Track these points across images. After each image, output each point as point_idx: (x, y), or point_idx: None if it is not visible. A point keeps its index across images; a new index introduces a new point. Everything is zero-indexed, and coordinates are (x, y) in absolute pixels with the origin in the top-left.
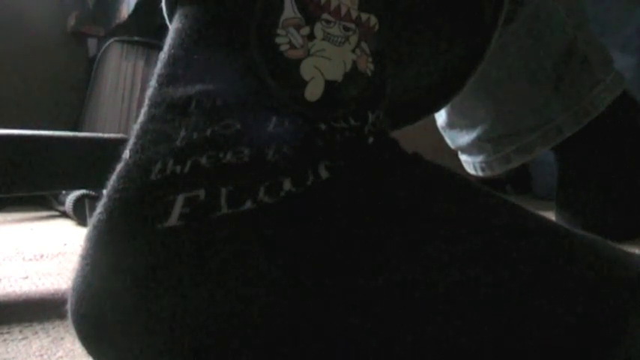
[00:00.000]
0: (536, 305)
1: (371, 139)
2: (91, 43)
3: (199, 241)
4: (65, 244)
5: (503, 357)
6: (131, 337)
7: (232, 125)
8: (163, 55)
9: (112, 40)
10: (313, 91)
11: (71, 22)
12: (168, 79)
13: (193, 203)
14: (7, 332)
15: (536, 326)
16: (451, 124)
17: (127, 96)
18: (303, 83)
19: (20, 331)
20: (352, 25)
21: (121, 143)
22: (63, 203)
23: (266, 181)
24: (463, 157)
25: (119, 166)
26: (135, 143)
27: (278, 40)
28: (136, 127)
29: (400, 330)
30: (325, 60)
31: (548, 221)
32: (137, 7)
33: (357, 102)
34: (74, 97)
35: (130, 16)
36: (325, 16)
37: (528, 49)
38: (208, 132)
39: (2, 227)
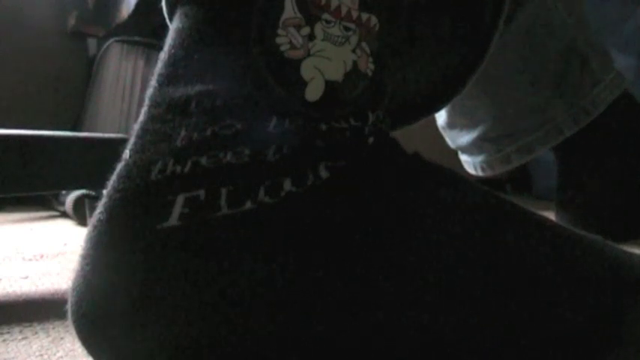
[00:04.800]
0: (536, 305)
1: (371, 139)
2: (91, 43)
3: (199, 241)
4: (65, 244)
5: (503, 356)
6: (131, 337)
7: (232, 125)
8: (163, 55)
9: (112, 40)
10: (313, 92)
11: (71, 21)
12: (169, 78)
13: (193, 203)
14: (7, 332)
15: (536, 326)
16: (451, 124)
17: (127, 96)
18: (304, 83)
19: (20, 331)
20: (353, 25)
21: (121, 143)
22: (63, 203)
23: (266, 181)
24: (463, 157)
25: (119, 166)
26: (135, 143)
27: (278, 40)
28: (136, 127)
29: (401, 330)
30: (325, 60)
31: (548, 221)
32: (137, 7)
33: (358, 102)
34: (74, 97)
35: (130, 16)
36: (326, 16)
37: (528, 49)
38: (208, 132)
39: (2, 227)
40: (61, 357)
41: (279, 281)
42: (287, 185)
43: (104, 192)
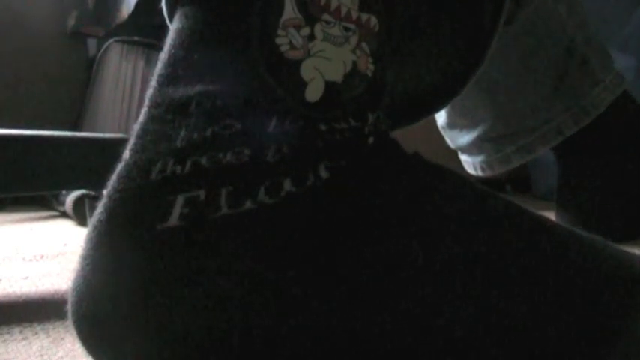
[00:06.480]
0: (536, 304)
1: (371, 140)
2: (91, 43)
3: (199, 241)
4: (65, 244)
5: (503, 356)
6: (131, 337)
7: (232, 126)
8: (163, 55)
9: (112, 40)
10: (313, 92)
11: (71, 22)
12: (169, 79)
13: (193, 204)
14: (7, 332)
15: (535, 325)
16: (451, 124)
17: (127, 96)
18: (304, 84)
19: (20, 332)
20: (352, 26)
21: (121, 143)
22: (63, 203)
23: (266, 181)
24: (463, 157)
25: (119, 166)
26: (135, 143)
27: (278, 40)
28: (136, 127)
29: (402, 329)
30: (325, 60)
31: (548, 221)
32: (137, 7)
33: (358, 102)
34: (74, 97)
35: (130, 16)
36: (325, 16)
37: (528, 50)
38: (208, 132)
39: (2, 227)
40: (61, 357)
41: (280, 281)
42: (287, 185)
43: (104, 192)
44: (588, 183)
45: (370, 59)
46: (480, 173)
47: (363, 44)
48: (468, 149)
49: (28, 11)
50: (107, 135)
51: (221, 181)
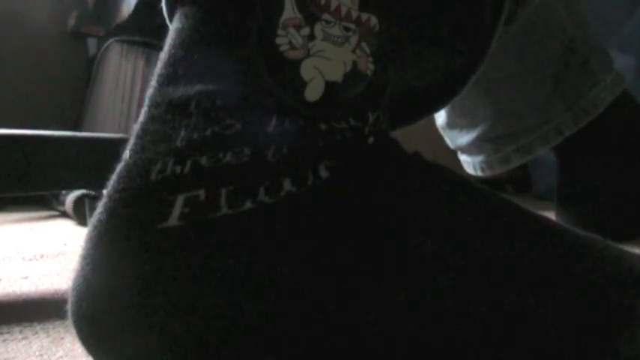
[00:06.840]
0: (535, 305)
1: (371, 139)
2: (91, 43)
3: (199, 241)
4: (65, 244)
5: (503, 356)
6: (131, 337)
7: (232, 125)
8: (163, 55)
9: (112, 40)
10: (313, 92)
11: (71, 21)
12: (169, 79)
13: (193, 203)
14: (7, 332)
15: (535, 326)
16: (451, 124)
17: (127, 96)
18: (303, 84)
19: (20, 331)
20: (352, 26)
21: (121, 143)
22: (63, 203)
23: (266, 181)
24: (463, 157)
25: (119, 166)
26: (135, 143)
27: (278, 40)
28: (136, 127)
29: (402, 328)
30: (325, 60)
31: (548, 221)
32: (137, 7)
33: (358, 102)
34: (74, 97)
35: (130, 16)
36: (325, 16)
37: (528, 50)
38: (208, 132)
39: (2, 227)
40: (61, 357)
41: (280, 281)
42: (287, 185)
43: (104, 192)
44: (588, 183)
45: (370, 59)
46: (479, 173)
47: (363, 44)
48: (468, 149)
49: (28, 11)
50: (107, 135)
51: (221, 180)
